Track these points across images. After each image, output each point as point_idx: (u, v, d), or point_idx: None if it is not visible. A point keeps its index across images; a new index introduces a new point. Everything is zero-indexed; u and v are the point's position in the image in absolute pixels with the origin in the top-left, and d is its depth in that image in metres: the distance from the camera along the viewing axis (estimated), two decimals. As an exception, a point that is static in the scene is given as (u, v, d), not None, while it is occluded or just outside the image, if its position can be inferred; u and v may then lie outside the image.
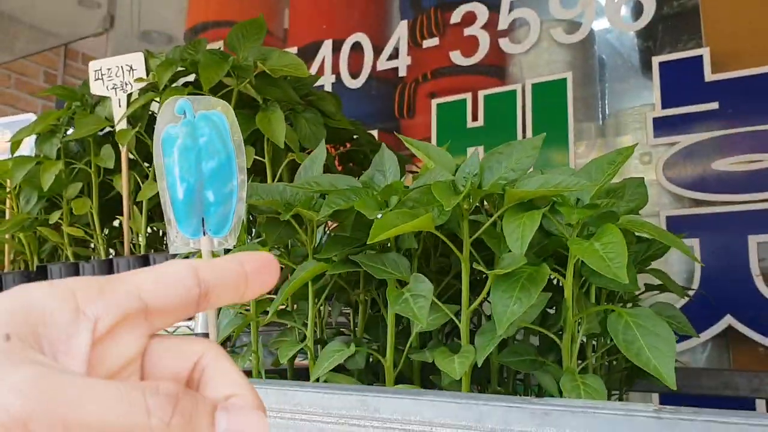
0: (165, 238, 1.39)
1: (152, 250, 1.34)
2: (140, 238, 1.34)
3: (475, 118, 2.38)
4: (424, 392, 0.63)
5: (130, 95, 1.31)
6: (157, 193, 1.27)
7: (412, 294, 0.72)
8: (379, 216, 0.76)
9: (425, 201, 0.74)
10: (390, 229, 0.68)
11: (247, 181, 0.85)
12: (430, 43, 2.51)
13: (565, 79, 2.31)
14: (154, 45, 3.98)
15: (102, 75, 1.32)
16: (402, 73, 2.57)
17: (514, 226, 0.67)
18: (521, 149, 0.76)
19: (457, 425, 0.58)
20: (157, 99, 1.28)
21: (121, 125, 1.31)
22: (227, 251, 0.86)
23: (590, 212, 0.68)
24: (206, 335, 1.11)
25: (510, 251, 0.68)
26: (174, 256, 1.13)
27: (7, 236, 1.49)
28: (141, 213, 1.34)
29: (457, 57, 2.47)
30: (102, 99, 1.37)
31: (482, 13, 2.44)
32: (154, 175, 1.34)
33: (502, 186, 0.72)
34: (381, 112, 2.58)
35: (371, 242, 0.67)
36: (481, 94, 2.36)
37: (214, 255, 0.85)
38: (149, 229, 1.40)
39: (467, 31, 2.48)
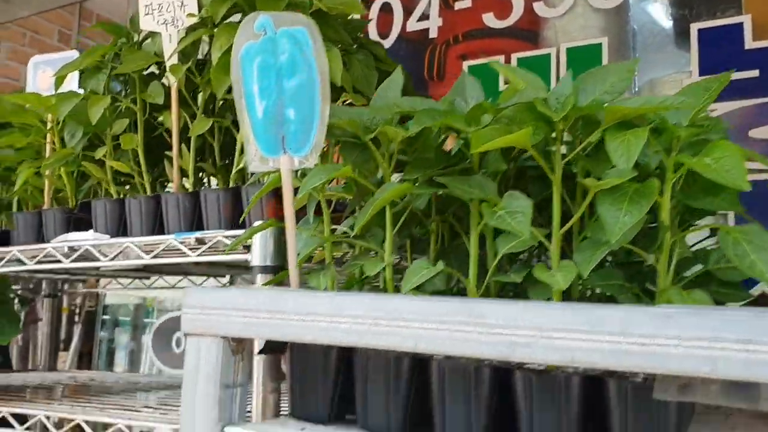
0: (210, 178, 1.37)
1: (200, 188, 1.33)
2: (187, 176, 1.33)
3: (507, 80, 2.35)
4: (532, 301, 0.63)
5: (180, 31, 1.29)
6: (206, 131, 1.26)
7: (507, 211, 0.71)
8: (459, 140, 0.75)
9: (519, 119, 0.73)
10: (489, 141, 0.67)
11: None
12: (462, 5, 2.49)
13: (600, 44, 2.29)
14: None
15: (152, 10, 1.30)
16: (432, 34, 2.55)
17: (618, 143, 0.66)
18: (616, 72, 0.75)
19: (570, 329, 0.57)
20: (210, 35, 1.26)
21: (172, 61, 1.29)
22: (304, 173, 0.85)
23: (697, 130, 0.67)
24: (263, 268, 1.10)
25: (611, 168, 0.67)
26: (244, 181, 1.12)
27: (47, 173, 1.47)
28: (189, 150, 1.32)
29: (490, 19, 2.44)
30: (151, 35, 1.35)
31: (516, -25, 2.41)
32: (203, 112, 1.33)
33: (602, 105, 0.71)
34: (410, 73, 2.56)
35: (474, 151, 0.67)
36: (515, 57, 2.34)
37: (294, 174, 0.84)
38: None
39: (500, -6, 2.45)
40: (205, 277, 2.16)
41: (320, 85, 0.80)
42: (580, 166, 0.76)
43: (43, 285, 2.43)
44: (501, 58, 2.40)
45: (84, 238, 1.32)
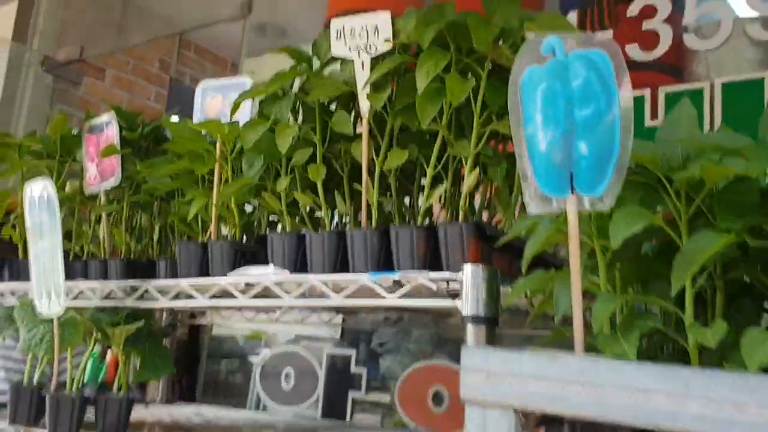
0: (396, 214, 1.28)
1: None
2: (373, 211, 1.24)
3: (654, 116, 2.22)
4: None
5: (375, 58, 1.22)
6: (400, 165, 1.17)
7: None
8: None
9: None
10: None
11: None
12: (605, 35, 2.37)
13: (762, 80, 2.13)
14: (267, 38, 3.96)
15: (344, 35, 1.23)
16: (571, 66, 2.43)
17: None
18: None
19: None
20: (403, 62, 1.18)
21: (366, 89, 1.21)
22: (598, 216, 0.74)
23: None
24: (475, 318, 1.00)
25: None
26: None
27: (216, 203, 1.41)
28: (373, 185, 1.24)
29: (633, 51, 2.32)
30: (341, 62, 1.27)
31: (664, 6, 2.29)
32: (389, 144, 1.25)
33: None
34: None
35: None
36: (662, 91, 2.20)
37: (581, 215, 0.73)
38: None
39: (646, 25, 2.33)
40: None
41: (622, 114, 0.69)
42: None
43: (164, 316, 2.40)
44: (646, 92, 2.27)
45: (265, 273, 1.24)
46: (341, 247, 1.24)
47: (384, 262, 1.19)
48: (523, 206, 1.24)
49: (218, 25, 4.25)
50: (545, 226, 0.76)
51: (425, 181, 1.21)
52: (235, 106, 1.36)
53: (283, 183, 1.28)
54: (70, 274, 1.68)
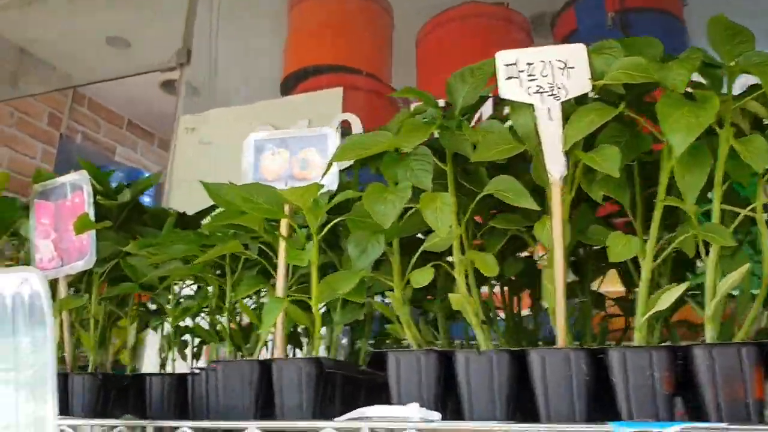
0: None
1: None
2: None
3: None
4: None
5: (564, 104, 0.87)
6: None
7: None
8: None
9: None
10: None
11: None
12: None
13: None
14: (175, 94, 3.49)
15: (519, 72, 0.88)
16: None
17: None
18: None
19: None
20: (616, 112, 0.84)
21: (554, 147, 0.85)
22: None
23: None
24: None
25: None
26: None
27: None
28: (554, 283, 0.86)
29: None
30: (515, 107, 0.90)
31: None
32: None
33: None
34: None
35: None
36: None
37: None
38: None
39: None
40: None
41: None
42: None
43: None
44: None
45: (407, 415, 0.81)
46: (515, 377, 0.84)
47: (595, 400, 0.81)
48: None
49: (116, 80, 3.75)
50: None
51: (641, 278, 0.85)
52: (329, 167, 0.94)
53: (422, 276, 0.87)
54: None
